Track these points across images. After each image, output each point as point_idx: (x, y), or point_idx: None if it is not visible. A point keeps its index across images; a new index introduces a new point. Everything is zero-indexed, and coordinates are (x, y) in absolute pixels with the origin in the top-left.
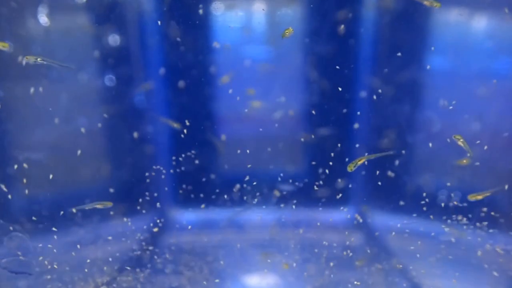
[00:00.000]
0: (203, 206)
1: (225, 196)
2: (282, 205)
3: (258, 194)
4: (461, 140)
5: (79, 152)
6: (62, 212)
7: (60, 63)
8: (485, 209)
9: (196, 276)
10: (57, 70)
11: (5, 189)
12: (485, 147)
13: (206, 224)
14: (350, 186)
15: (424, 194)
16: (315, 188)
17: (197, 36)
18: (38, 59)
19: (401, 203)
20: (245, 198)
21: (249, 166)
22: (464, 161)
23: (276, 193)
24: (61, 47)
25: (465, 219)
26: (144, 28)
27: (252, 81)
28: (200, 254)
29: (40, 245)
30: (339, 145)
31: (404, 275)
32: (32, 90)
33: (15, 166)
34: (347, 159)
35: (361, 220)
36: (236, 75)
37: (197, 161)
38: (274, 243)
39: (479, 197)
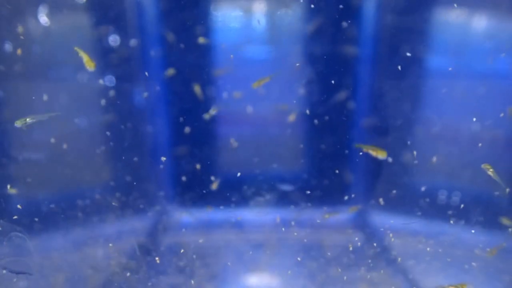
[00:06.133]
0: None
1: (225, 196)
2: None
3: (258, 194)
4: (491, 170)
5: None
6: (62, 212)
7: (48, 114)
8: (485, 209)
9: (196, 276)
10: (57, 70)
11: (5, 188)
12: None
13: (206, 224)
14: (351, 186)
15: (424, 194)
16: (315, 188)
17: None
18: (27, 119)
19: (401, 203)
20: (245, 198)
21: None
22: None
23: (276, 193)
24: (61, 47)
25: (465, 219)
26: (144, 28)
27: (252, 81)
28: (200, 254)
29: (40, 245)
30: (339, 145)
31: (404, 275)
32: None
33: (15, 166)
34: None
35: (361, 220)
36: (236, 75)
37: (197, 161)
38: (274, 243)
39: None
